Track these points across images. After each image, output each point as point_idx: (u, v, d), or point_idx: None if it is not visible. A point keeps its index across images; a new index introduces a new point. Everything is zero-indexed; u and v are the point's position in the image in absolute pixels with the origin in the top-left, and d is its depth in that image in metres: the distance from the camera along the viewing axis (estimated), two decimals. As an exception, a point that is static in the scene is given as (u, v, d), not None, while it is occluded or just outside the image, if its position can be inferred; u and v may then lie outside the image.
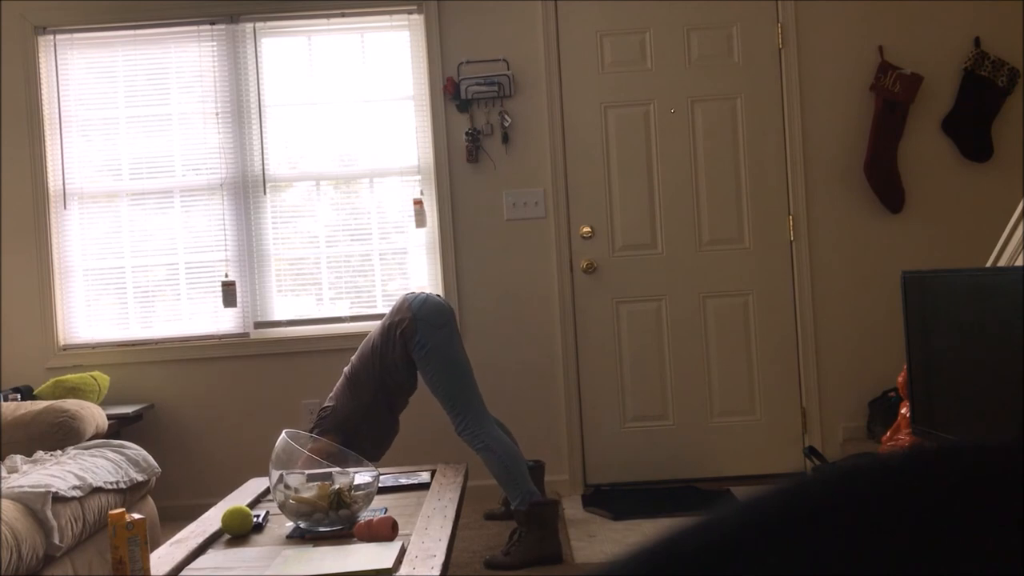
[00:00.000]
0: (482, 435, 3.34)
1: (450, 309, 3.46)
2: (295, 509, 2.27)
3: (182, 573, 2.08)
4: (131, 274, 4.39)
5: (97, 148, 4.41)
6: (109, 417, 3.71)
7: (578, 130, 4.35)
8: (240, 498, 2.71)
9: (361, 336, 4.32)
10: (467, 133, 4.30)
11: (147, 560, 2.09)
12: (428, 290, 3.53)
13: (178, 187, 4.39)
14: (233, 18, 4.37)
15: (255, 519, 2.39)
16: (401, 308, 3.42)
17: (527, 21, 4.35)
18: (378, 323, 3.57)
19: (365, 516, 2.30)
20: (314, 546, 2.18)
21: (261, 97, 4.39)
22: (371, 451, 3.41)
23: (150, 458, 3.20)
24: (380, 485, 2.56)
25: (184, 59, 4.40)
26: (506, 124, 4.32)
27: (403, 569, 1.97)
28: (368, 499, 2.31)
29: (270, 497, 2.71)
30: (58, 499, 2.61)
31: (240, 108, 4.38)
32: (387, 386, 3.42)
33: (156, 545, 2.98)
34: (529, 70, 4.34)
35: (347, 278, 4.41)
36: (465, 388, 3.37)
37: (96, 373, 4.14)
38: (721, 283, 4.36)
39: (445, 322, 3.40)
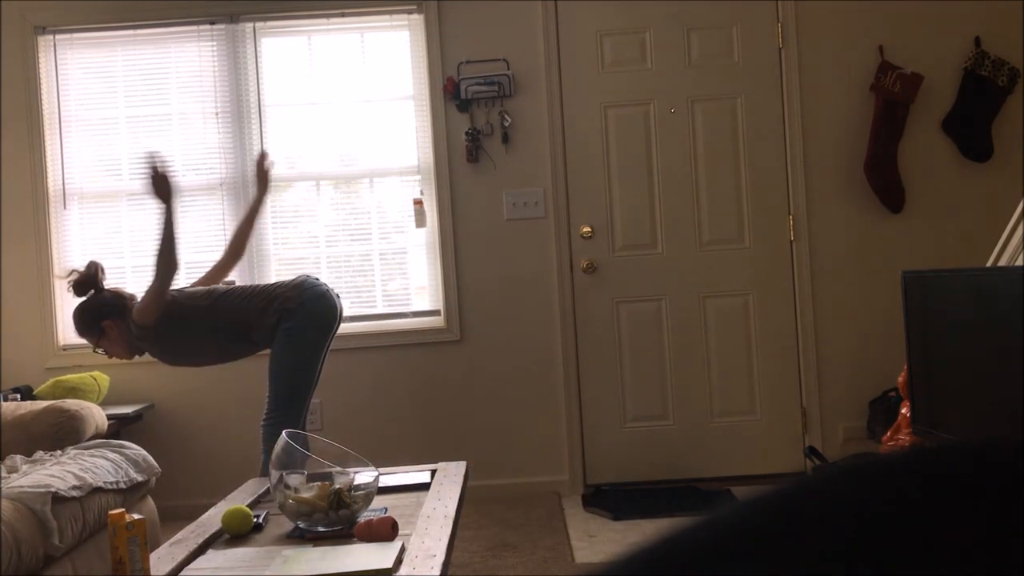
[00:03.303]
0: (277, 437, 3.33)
1: (338, 314, 3.41)
2: (295, 509, 2.27)
3: (182, 573, 2.07)
4: (131, 274, 4.39)
5: (97, 148, 4.41)
6: (109, 417, 3.70)
7: (578, 130, 4.35)
8: (240, 498, 2.71)
9: (361, 336, 4.33)
10: (467, 133, 4.30)
11: (147, 560, 2.09)
12: (330, 286, 3.45)
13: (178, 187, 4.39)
14: (233, 18, 4.37)
15: (255, 519, 2.39)
16: (296, 287, 3.34)
17: (527, 21, 4.35)
18: (269, 282, 3.48)
19: (365, 516, 2.29)
20: (314, 546, 2.18)
21: (261, 97, 4.39)
22: (180, 349, 3.34)
23: (150, 458, 3.20)
24: (380, 485, 2.56)
25: (184, 59, 4.39)
26: (506, 124, 4.31)
27: (403, 569, 1.97)
28: (368, 499, 2.30)
29: (270, 497, 2.70)
30: (58, 499, 2.61)
31: (240, 108, 4.38)
32: (233, 328, 3.33)
33: (156, 545, 2.97)
34: (529, 70, 4.34)
35: (347, 278, 4.41)
36: (297, 389, 3.29)
37: (96, 373, 4.14)
38: (721, 283, 4.36)
39: (327, 325, 3.34)
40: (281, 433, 3.21)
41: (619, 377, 4.35)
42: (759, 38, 4.35)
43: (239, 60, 4.37)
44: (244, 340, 3.35)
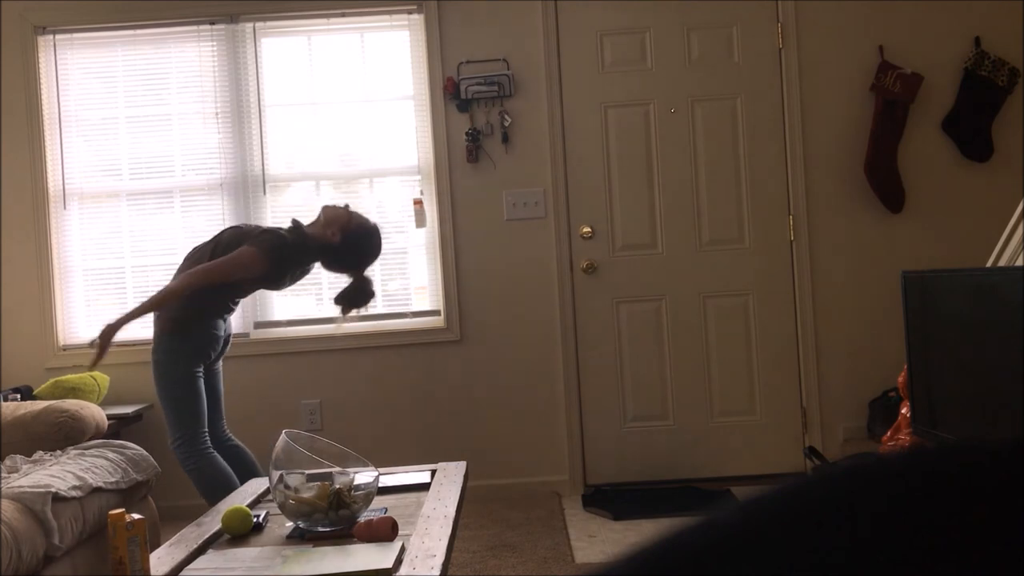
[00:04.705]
0: (193, 456, 3.30)
1: (221, 345, 3.39)
2: (295, 509, 2.27)
3: (182, 573, 2.07)
4: (131, 274, 4.39)
5: (96, 148, 4.41)
6: (109, 417, 3.70)
7: (578, 130, 4.35)
8: (240, 498, 2.71)
9: (361, 336, 4.32)
10: (467, 133, 4.30)
11: (147, 560, 2.09)
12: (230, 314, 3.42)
13: (178, 187, 4.39)
14: (233, 18, 4.37)
15: (255, 519, 2.39)
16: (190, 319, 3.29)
17: (527, 21, 4.35)
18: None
19: (365, 516, 2.29)
20: (314, 546, 2.18)
21: (261, 97, 4.39)
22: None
23: (150, 458, 3.20)
24: (380, 485, 2.56)
25: (184, 59, 4.39)
26: (506, 124, 4.31)
27: (403, 569, 1.97)
28: (368, 499, 2.30)
29: (270, 497, 2.70)
30: (58, 499, 2.61)
31: (240, 108, 4.37)
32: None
33: (156, 545, 2.98)
34: (529, 70, 4.34)
35: (347, 278, 4.39)
36: (181, 409, 3.29)
37: (96, 373, 4.14)
38: (721, 283, 4.36)
39: (204, 354, 3.33)
40: (186, 455, 3.27)
41: (619, 377, 4.35)
42: (759, 38, 4.35)
43: (239, 60, 4.37)
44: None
